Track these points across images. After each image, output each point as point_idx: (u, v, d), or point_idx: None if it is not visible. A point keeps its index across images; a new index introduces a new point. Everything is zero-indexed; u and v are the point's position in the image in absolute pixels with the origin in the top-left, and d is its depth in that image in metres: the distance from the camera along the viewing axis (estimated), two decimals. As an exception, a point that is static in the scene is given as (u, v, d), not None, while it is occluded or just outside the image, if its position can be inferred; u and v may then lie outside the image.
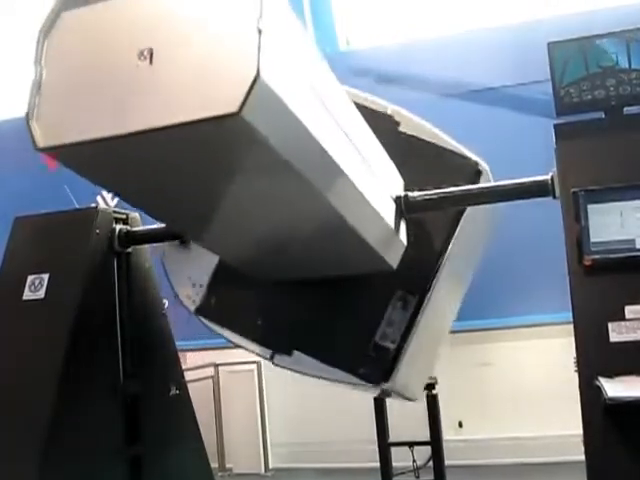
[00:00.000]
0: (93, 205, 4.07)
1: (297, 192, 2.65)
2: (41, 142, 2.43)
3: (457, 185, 3.55)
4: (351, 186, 2.83)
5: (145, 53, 2.26)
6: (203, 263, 3.91)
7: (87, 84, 2.38)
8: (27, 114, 2.48)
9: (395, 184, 3.50)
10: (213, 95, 2.15)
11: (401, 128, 3.78)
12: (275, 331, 3.81)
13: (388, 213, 3.33)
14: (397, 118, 3.81)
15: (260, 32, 2.11)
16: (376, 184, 3.16)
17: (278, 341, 3.79)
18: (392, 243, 3.46)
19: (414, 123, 3.81)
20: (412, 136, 3.76)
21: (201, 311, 3.96)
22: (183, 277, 4.02)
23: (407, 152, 3.66)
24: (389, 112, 3.81)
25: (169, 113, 2.19)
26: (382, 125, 3.59)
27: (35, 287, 3.73)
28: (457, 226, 3.65)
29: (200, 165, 2.45)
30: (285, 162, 2.39)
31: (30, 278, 3.76)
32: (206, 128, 2.16)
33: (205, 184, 2.57)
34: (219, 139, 2.26)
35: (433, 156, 3.72)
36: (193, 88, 2.20)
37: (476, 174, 3.71)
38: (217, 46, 2.20)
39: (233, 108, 2.08)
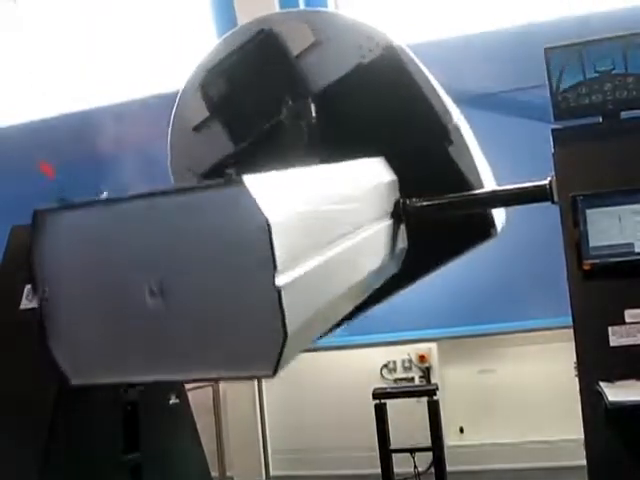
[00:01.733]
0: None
1: None
2: (73, 379, 2.47)
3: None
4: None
5: (155, 289, 2.26)
6: None
7: (96, 318, 2.40)
8: (46, 336, 2.47)
9: (391, 194, 3.52)
10: (241, 352, 2.20)
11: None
12: None
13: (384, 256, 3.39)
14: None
15: (279, 291, 2.11)
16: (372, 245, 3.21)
17: None
18: (392, 261, 3.53)
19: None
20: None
21: None
22: None
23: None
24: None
25: (193, 367, 2.30)
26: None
27: (32, 296, 3.72)
28: None
29: None
30: None
31: (27, 287, 3.75)
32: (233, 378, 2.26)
33: None
34: None
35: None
36: (215, 342, 2.24)
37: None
38: (234, 293, 2.19)
39: (268, 371, 2.16)
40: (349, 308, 3.10)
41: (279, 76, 3.67)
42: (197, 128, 3.84)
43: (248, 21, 3.79)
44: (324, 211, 2.60)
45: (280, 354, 2.12)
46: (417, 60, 3.59)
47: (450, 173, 3.65)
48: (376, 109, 3.61)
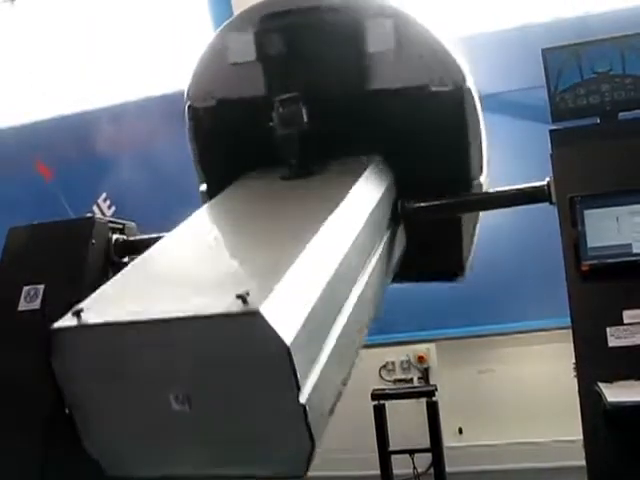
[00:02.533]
0: (89, 215, 4.06)
1: None
2: (108, 472, 2.54)
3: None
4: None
5: (181, 397, 2.28)
6: None
7: (122, 418, 2.46)
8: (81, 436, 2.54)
9: (388, 202, 3.52)
10: (272, 459, 2.34)
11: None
12: None
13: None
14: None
15: (304, 408, 2.17)
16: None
17: None
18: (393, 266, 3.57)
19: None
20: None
21: None
22: None
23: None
24: None
25: (226, 468, 2.42)
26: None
27: (30, 298, 3.70)
28: None
29: None
30: None
31: (25, 289, 3.73)
32: None
33: None
34: None
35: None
36: (245, 451, 2.34)
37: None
38: (258, 410, 2.26)
39: (299, 473, 2.31)
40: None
41: (340, 62, 3.53)
42: (236, 64, 3.66)
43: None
44: (329, 294, 2.56)
45: (309, 460, 2.25)
46: (479, 108, 3.51)
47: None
48: (412, 134, 3.52)
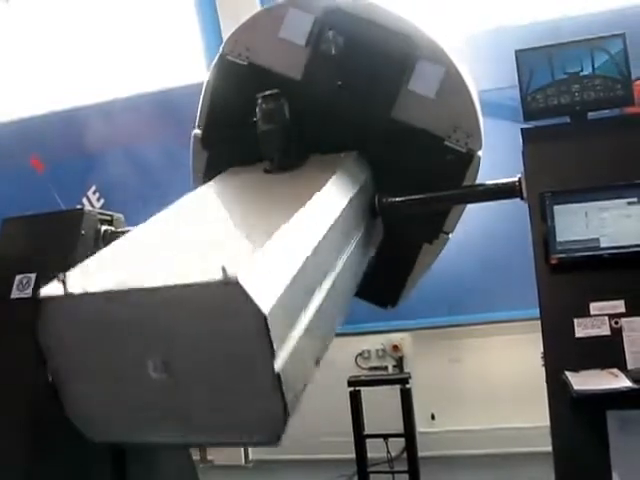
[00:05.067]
0: (79, 207, 4.04)
1: None
2: (89, 437, 2.55)
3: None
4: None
5: (159, 365, 2.29)
6: None
7: (104, 386, 2.46)
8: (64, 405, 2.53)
9: (365, 195, 3.51)
10: (245, 426, 2.34)
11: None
12: None
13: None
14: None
15: (279, 377, 2.19)
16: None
17: None
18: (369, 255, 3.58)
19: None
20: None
21: None
22: None
23: None
24: None
25: (202, 435, 2.47)
26: None
27: (23, 286, 3.70)
28: None
29: None
30: None
31: (18, 277, 3.72)
32: None
33: None
34: None
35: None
36: (220, 418, 2.34)
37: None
38: (234, 376, 2.26)
39: (273, 442, 2.32)
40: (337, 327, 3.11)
41: (378, 83, 3.53)
42: (283, 40, 3.61)
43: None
44: (307, 271, 2.57)
45: (283, 428, 2.25)
46: (475, 179, 3.55)
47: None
48: (409, 175, 3.57)
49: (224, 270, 2.11)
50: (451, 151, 3.47)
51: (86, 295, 2.34)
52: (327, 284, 2.76)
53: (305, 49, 3.58)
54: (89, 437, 2.52)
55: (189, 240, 2.72)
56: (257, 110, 3.45)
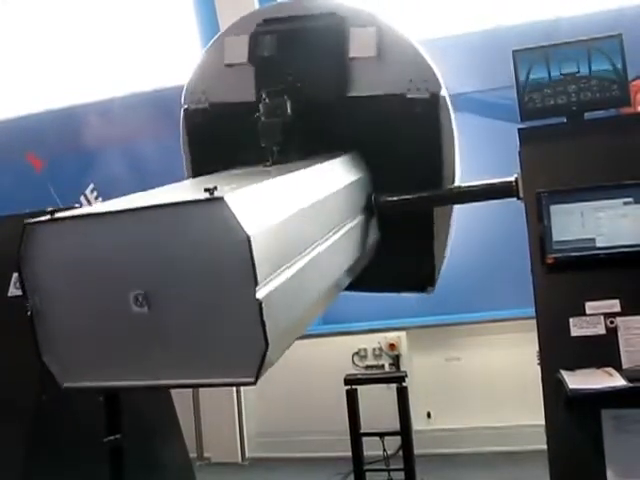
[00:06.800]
0: (77, 205, 4.03)
1: None
2: (61, 382, 2.47)
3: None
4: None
5: (140, 298, 2.25)
6: None
7: (84, 325, 2.40)
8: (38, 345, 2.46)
9: (362, 190, 3.53)
10: (225, 360, 2.23)
11: None
12: None
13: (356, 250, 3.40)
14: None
15: (260, 304, 2.12)
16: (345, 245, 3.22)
17: None
18: (365, 254, 3.55)
19: None
20: None
21: None
22: None
23: None
24: None
25: (179, 374, 2.32)
26: None
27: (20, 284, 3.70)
28: None
29: None
30: None
31: (15, 275, 3.72)
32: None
33: None
34: None
35: None
36: (199, 351, 2.26)
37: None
38: (217, 305, 2.21)
39: (250, 378, 2.19)
40: (326, 305, 3.09)
41: (324, 65, 3.61)
42: (230, 66, 3.74)
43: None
44: (299, 219, 2.59)
45: (262, 363, 2.15)
46: (452, 117, 3.58)
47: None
48: (391, 141, 3.61)
49: (210, 190, 2.12)
50: (416, 102, 3.52)
51: (71, 218, 2.35)
52: (315, 252, 2.73)
53: (249, 67, 3.70)
54: (62, 382, 2.45)
55: (188, 187, 2.70)
56: (260, 106, 3.49)
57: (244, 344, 2.17)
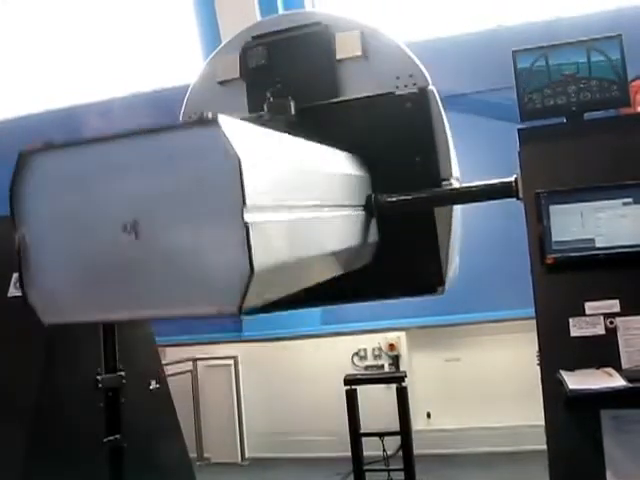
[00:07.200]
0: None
1: None
2: (45, 319, 2.40)
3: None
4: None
5: (129, 227, 2.20)
6: None
7: (70, 257, 2.35)
8: (23, 281, 2.42)
9: (362, 188, 3.53)
10: (209, 287, 2.15)
11: None
12: None
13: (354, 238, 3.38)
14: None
15: (247, 227, 2.08)
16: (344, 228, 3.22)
17: None
18: (362, 252, 3.53)
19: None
20: None
21: None
22: None
23: None
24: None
25: (163, 303, 2.23)
26: None
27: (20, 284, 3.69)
28: None
29: None
30: None
31: (15, 276, 3.72)
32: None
33: None
34: None
35: None
36: (184, 277, 2.18)
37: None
38: (204, 229, 2.15)
39: (233, 307, 2.09)
40: (318, 278, 3.04)
41: (314, 71, 3.76)
42: (222, 83, 3.88)
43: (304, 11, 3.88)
44: (296, 174, 2.59)
45: (246, 291, 2.07)
46: (442, 109, 3.66)
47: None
48: (385, 139, 3.69)
49: (203, 114, 2.10)
50: (405, 98, 3.64)
51: (66, 146, 2.33)
52: (312, 213, 2.73)
53: (242, 82, 3.84)
54: (45, 319, 2.39)
55: None
56: (265, 106, 3.59)
57: (229, 271, 2.10)
